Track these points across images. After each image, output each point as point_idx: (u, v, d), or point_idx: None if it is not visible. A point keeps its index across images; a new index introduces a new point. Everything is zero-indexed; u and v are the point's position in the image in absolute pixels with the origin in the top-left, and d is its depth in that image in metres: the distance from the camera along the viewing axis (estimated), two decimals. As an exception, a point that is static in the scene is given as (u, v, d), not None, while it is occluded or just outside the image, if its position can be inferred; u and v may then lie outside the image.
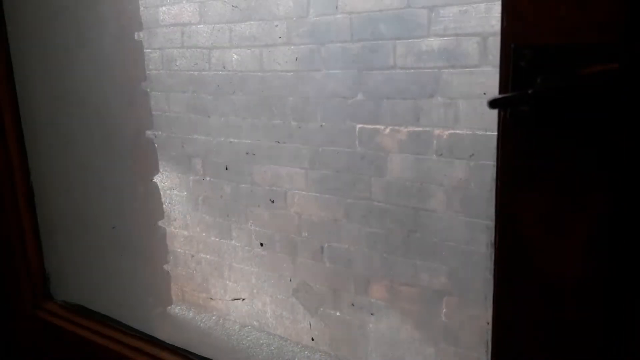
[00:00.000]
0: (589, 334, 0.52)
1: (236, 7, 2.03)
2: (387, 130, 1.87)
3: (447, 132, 1.75)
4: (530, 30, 0.50)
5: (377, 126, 1.89)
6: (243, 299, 2.19)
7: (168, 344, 1.09)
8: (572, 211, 0.50)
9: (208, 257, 2.48)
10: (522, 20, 0.50)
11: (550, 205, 0.51)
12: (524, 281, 0.54)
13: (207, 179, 2.38)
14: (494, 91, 0.51)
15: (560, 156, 0.50)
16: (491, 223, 0.56)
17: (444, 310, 1.86)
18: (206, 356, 1.06)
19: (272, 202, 2.09)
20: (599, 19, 0.46)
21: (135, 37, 1.38)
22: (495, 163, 0.54)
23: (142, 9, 2.34)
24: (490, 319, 0.59)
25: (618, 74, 0.46)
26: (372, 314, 1.99)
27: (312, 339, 2.00)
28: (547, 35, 0.49)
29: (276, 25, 2.02)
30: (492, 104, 0.48)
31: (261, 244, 2.22)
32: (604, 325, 0.51)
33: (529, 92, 0.46)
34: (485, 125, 1.68)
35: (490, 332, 0.59)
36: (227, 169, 2.27)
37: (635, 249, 0.48)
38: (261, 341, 1.97)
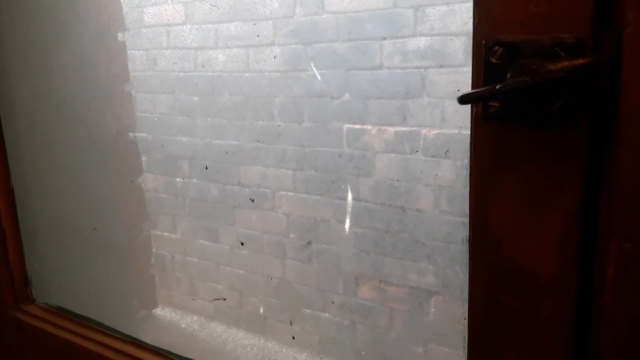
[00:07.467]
0: (561, 330, 0.52)
1: (214, 5, 2.01)
2: (374, 130, 1.87)
3: (433, 132, 1.76)
4: (500, 26, 0.50)
5: (364, 126, 1.89)
6: (224, 299, 2.18)
7: (152, 346, 1.08)
8: (542, 207, 0.50)
9: (193, 259, 2.47)
10: (493, 16, 0.50)
11: (521, 201, 0.51)
12: (496, 276, 0.54)
13: (193, 180, 2.37)
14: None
15: (529, 151, 0.50)
16: (467, 219, 0.56)
17: (432, 309, 1.86)
18: (191, 358, 1.06)
19: (252, 200, 2.09)
20: (568, 14, 0.46)
21: (119, 37, 1.38)
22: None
23: (126, 9, 2.32)
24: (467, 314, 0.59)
25: (586, 68, 0.46)
26: (357, 314, 1.99)
27: (293, 338, 1.99)
28: (517, 31, 0.49)
29: (254, 24, 2.02)
30: (462, 99, 0.48)
31: (242, 243, 2.21)
32: (576, 322, 0.51)
33: (497, 87, 0.46)
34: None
35: (466, 327, 0.59)
36: (207, 168, 2.26)
37: (605, 245, 0.48)
38: (245, 342, 1.96)
